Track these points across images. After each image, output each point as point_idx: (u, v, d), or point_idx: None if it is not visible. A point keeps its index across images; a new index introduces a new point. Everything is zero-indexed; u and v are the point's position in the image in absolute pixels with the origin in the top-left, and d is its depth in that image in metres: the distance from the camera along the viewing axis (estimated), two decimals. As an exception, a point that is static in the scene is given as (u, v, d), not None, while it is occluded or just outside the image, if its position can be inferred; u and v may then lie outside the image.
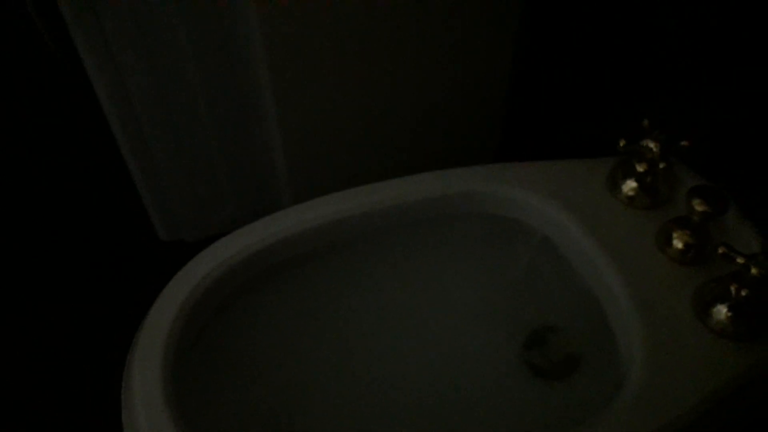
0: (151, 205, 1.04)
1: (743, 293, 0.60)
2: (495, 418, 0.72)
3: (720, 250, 0.60)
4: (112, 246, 1.20)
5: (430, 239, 0.78)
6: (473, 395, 0.75)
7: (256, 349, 0.72)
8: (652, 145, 0.67)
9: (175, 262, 0.73)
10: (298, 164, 0.97)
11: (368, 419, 0.74)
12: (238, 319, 0.70)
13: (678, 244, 0.66)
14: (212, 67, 0.87)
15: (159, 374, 0.58)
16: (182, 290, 0.66)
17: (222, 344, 0.69)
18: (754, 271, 0.58)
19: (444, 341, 0.78)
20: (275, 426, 0.71)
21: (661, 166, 0.67)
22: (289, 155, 0.95)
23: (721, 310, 0.61)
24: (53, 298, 1.14)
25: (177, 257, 0.80)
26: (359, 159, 0.99)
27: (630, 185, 0.70)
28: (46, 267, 1.18)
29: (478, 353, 0.77)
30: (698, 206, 0.63)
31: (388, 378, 0.76)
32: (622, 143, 0.68)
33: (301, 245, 0.72)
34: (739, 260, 0.59)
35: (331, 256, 0.75)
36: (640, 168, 0.69)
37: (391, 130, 0.97)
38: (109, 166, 1.11)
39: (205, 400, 0.64)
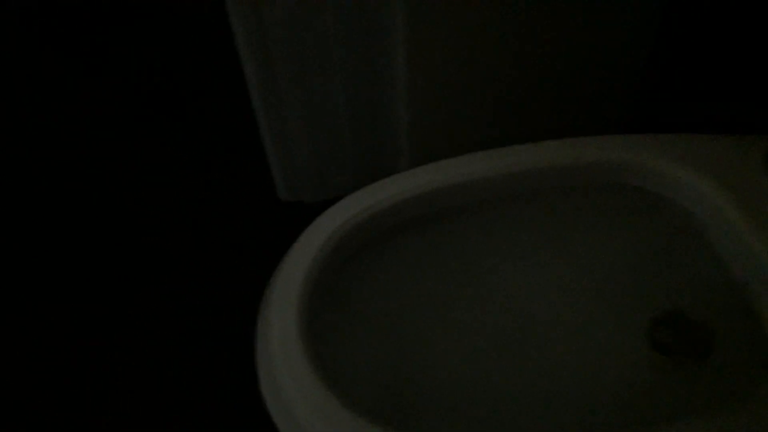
0: (276, 165, 1.06)
1: None
2: (619, 404, 0.69)
3: None
4: (233, 204, 1.23)
5: (561, 209, 0.76)
6: (598, 376, 0.72)
7: (381, 303, 0.72)
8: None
9: (295, 222, 0.75)
10: (420, 134, 0.96)
11: (485, 391, 0.72)
12: (365, 273, 0.71)
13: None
14: (349, 28, 0.88)
15: (296, 322, 0.59)
16: (314, 243, 0.67)
17: (350, 298, 0.69)
18: None
19: (568, 316, 0.75)
20: (396, 378, 0.70)
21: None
22: (413, 124, 0.95)
23: None
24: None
25: (296, 217, 0.82)
26: (484, 129, 0.97)
27: (791, 164, 0.65)
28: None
29: (602, 334, 0.74)
30: None
31: (508, 350, 0.75)
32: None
33: (426, 206, 0.72)
34: None
35: (454, 220, 0.74)
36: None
37: (519, 100, 0.95)
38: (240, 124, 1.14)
39: (338, 349, 0.65)
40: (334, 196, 1.14)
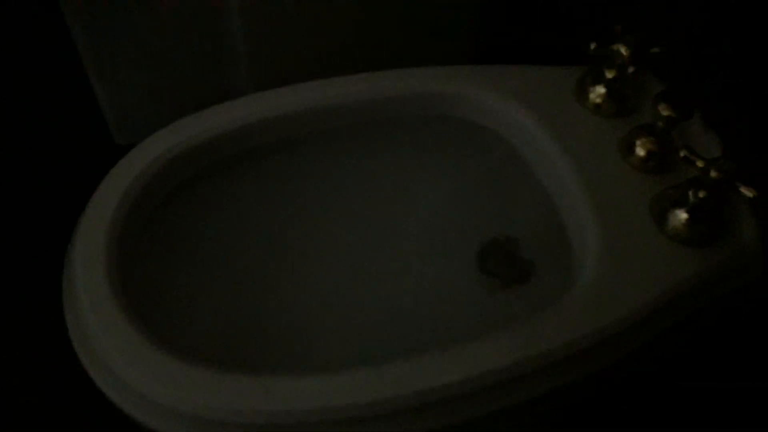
0: (107, 108, 1.00)
1: (701, 195, 0.60)
2: (451, 323, 0.72)
3: (681, 153, 0.60)
4: (70, 153, 1.16)
5: (391, 141, 0.76)
6: (429, 300, 0.75)
7: (210, 237, 0.71)
8: (622, 49, 0.66)
9: None
10: (259, 66, 0.93)
11: (325, 322, 0.73)
12: (191, 206, 0.68)
13: (641, 151, 0.65)
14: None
15: (104, 264, 0.55)
16: (127, 174, 0.63)
17: (176, 232, 0.67)
18: (713, 174, 0.58)
19: (401, 244, 0.77)
20: (237, 314, 0.69)
21: (630, 70, 0.66)
22: (251, 55, 0.92)
23: (678, 215, 0.61)
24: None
25: None
26: (323, 62, 0.95)
27: (598, 91, 0.69)
28: None
29: (435, 259, 0.77)
30: (663, 110, 0.62)
31: (345, 279, 0.75)
32: (593, 46, 0.67)
33: (255, 137, 0.70)
34: (699, 163, 0.59)
35: (281, 153, 0.72)
36: (609, 74, 0.68)
37: (359, 29, 0.94)
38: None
39: (158, 290, 0.62)
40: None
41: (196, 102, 1.02)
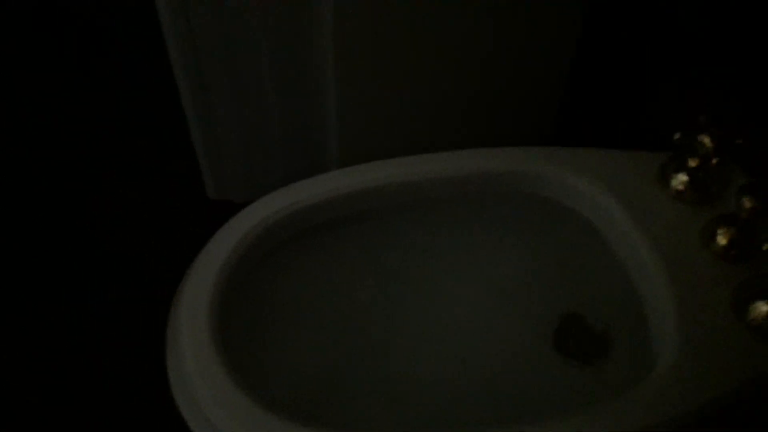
0: (205, 164, 1.07)
1: (784, 291, 0.60)
2: (523, 396, 0.73)
3: (765, 247, 0.61)
4: (163, 203, 1.23)
5: (471, 216, 0.80)
6: (501, 375, 0.76)
7: (299, 298, 0.75)
8: (706, 140, 0.68)
9: (223, 221, 0.76)
10: (349, 139, 0.99)
11: (398, 384, 0.76)
12: (284, 267, 0.73)
13: (722, 240, 0.66)
14: (278, 27, 0.89)
15: (206, 321, 0.60)
16: (227, 243, 0.68)
17: (269, 292, 0.71)
18: (797, 269, 0.59)
19: (475, 318, 0.79)
20: (315, 375, 0.73)
21: (714, 161, 0.68)
22: (342, 129, 0.97)
23: (759, 307, 0.61)
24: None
25: (225, 216, 0.83)
26: (409, 137, 1.00)
27: (680, 179, 0.71)
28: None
29: (508, 333, 0.79)
30: (747, 203, 0.63)
31: (420, 346, 0.78)
32: (676, 136, 0.69)
33: (343, 208, 0.75)
34: (784, 258, 0.60)
35: (371, 222, 0.77)
36: (692, 163, 0.70)
37: (444, 109, 0.98)
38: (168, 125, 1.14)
39: (253, 349, 0.66)
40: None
41: (286, 167, 1.09)
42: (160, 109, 1.21)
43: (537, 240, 0.81)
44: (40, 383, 1.03)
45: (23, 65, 1.41)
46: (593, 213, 0.73)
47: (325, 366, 0.74)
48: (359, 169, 0.76)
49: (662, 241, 0.68)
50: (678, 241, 0.68)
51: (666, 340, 0.62)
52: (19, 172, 1.26)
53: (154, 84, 1.17)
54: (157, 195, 1.24)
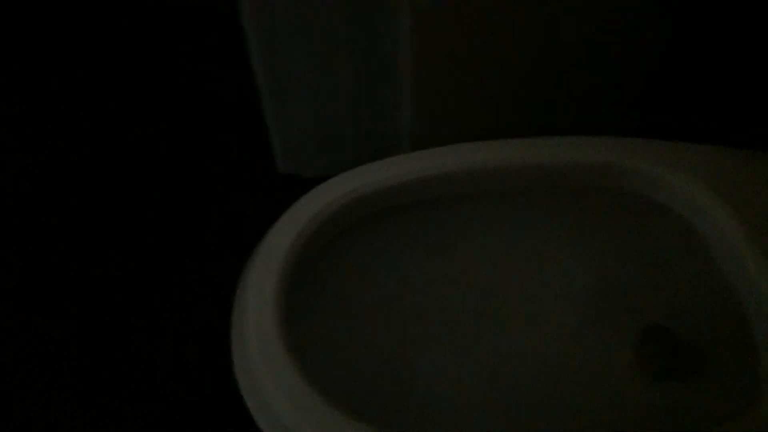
0: (276, 136, 1.04)
1: None
2: (601, 409, 0.68)
3: None
4: (231, 173, 1.22)
5: (555, 209, 0.74)
6: (578, 391, 0.71)
7: (363, 290, 0.71)
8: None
9: (291, 195, 0.74)
10: (422, 120, 0.94)
11: (468, 389, 0.71)
12: (349, 252, 0.69)
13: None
14: (357, 4, 0.85)
15: (273, 300, 0.57)
16: (293, 227, 0.66)
17: (334, 278, 0.68)
18: None
19: (551, 316, 0.74)
20: (378, 370, 0.69)
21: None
22: (416, 109, 0.93)
23: None
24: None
25: (292, 190, 0.80)
26: (486, 122, 0.95)
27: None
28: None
29: (586, 343, 0.73)
30: None
31: (490, 346, 0.73)
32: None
33: (413, 193, 0.71)
34: None
35: (444, 209, 0.72)
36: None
37: (526, 95, 0.92)
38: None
39: (317, 337, 0.63)
40: (331, 173, 1.13)
41: (355, 145, 1.06)
42: (232, 81, 1.19)
43: (622, 240, 0.74)
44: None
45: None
46: (694, 215, 0.67)
47: (387, 362, 0.70)
48: (433, 154, 0.72)
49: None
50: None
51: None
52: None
53: (227, 55, 1.15)
54: (226, 166, 1.22)
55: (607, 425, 0.64)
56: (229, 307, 0.65)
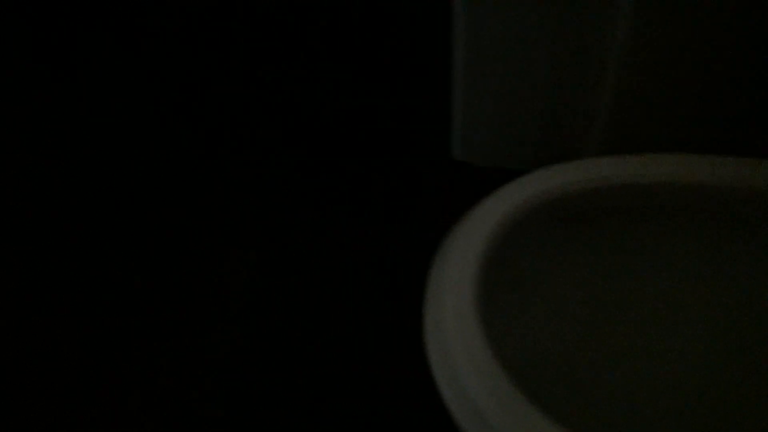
0: (459, 123, 1.05)
1: None
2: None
3: None
4: (405, 154, 1.23)
5: (742, 237, 0.70)
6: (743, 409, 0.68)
7: (551, 290, 0.71)
8: None
9: (465, 184, 0.71)
10: (616, 126, 0.92)
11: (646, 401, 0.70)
12: (537, 257, 0.69)
13: None
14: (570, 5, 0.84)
15: (472, 303, 0.57)
16: (490, 220, 0.65)
17: (527, 274, 0.68)
18: None
19: (714, 358, 0.71)
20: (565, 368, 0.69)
21: None
22: (612, 115, 0.90)
23: None
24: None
25: (466, 178, 0.79)
26: (685, 138, 0.91)
27: None
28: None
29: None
30: None
31: (668, 362, 0.72)
32: None
33: (612, 199, 0.69)
34: None
35: (630, 219, 0.70)
36: None
37: (736, 115, 0.88)
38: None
39: (512, 332, 0.64)
40: (506, 166, 1.13)
41: (537, 140, 1.04)
42: (426, 56, 1.19)
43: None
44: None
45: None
46: None
47: (572, 361, 0.70)
48: (630, 162, 0.69)
49: None
50: None
51: None
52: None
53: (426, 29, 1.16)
54: (401, 150, 1.23)
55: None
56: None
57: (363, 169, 1.21)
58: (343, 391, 0.94)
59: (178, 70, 1.38)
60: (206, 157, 1.23)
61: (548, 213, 0.66)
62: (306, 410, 0.92)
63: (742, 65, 0.82)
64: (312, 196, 1.17)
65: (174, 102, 1.32)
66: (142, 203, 1.17)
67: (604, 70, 0.88)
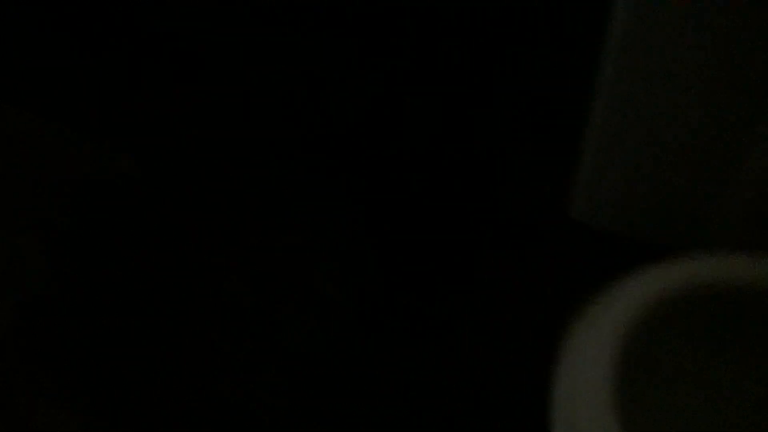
0: (584, 181, 0.99)
1: None
2: None
3: None
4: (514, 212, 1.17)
5: None
6: None
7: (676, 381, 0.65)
8: None
9: (582, 246, 0.67)
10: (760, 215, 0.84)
11: None
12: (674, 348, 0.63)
13: None
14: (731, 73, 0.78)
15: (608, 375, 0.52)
16: (633, 306, 0.59)
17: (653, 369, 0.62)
18: None
19: None
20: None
21: None
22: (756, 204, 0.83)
23: None
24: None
25: (582, 240, 0.73)
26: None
27: None
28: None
29: None
30: None
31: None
32: None
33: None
34: None
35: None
36: None
37: None
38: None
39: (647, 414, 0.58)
40: (625, 232, 1.06)
41: (666, 213, 0.97)
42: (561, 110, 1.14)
43: None
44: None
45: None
46: None
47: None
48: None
49: None
50: None
51: None
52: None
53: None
54: (512, 203, 1.17)
55: None
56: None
57: (469, 218, 1.16)
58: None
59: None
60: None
61: (700, 307, 0.60)
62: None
63: None
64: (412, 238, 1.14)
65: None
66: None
67: (750, 159, 0.81)
